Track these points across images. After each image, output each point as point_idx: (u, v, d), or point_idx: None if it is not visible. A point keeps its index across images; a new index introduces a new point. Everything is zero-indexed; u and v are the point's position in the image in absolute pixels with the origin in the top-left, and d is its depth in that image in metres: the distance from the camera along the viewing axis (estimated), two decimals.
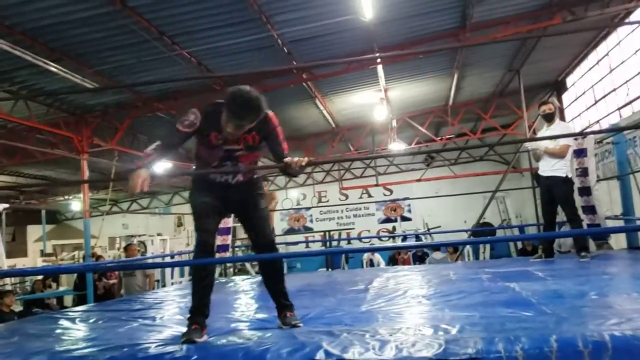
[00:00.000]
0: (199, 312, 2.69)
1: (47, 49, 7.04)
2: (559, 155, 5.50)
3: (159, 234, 14.17)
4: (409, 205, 17.69)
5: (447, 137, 14.64)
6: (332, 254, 9.02)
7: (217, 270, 11.23)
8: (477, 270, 5.04)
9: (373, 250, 6.48)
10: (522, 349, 2.04)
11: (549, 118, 5.58)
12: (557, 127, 5.65)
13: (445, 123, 13.71)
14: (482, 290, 3.54)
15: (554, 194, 5.61)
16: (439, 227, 16.48)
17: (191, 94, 9.61)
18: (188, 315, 2.71)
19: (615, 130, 7.22)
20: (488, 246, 13.77)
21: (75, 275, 10.96)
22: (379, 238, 16.11)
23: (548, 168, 5.64)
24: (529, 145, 6.03)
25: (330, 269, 10.80)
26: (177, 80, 9.10)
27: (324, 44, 8.11)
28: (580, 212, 5.94)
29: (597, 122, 10.58)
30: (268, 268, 2.96)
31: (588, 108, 11.15)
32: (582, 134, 6.18)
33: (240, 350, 2.33)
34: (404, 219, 17.95)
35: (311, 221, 18.43)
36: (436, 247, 12.29)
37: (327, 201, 18.49)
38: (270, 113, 2.77)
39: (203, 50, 7.69)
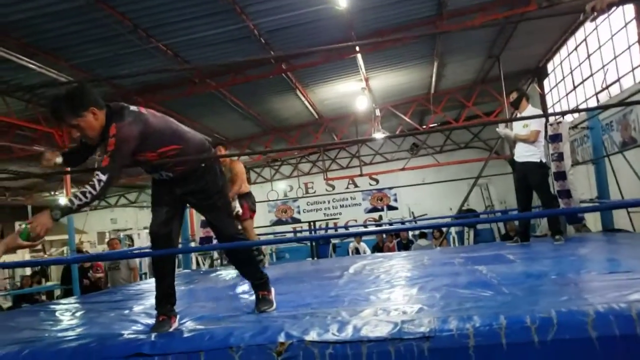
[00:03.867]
0: (164, 302, 2.73)
1: (20, 43, 6.99)
2: (528, 140, 5.59)
3: (145, 228, 14.17)
4: (395, 194, 17.81)
5: (431, 125, 14.72)
6: (308, 240, 8.96)
7: (208, 261, 11.32)
8: (453, 256, 5.12)
9: (351, 235, 6.51)
10: (473, 327, 2.12)
11: (515, 105, 5.69)
12: (525, 113, 5.75)
13: (428, 111, 13.79)
14: (450, 274, 3.61)
15: (529, 179, 5.70)
16: (425, 215, 16.61)
17: (170, 87, 9.60)
18: (155, 308, 2.76)
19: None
20: (472, 232, 13.94)
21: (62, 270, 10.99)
22: (365, 226, 16.19)
23: (522, 154, 5.73)
24: (500, 131, 6.11)
25: (316, 259, 10.87)
26: (152, 73, 9.06)
27: (301, 34, 8.12)
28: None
29: (576, 107, 10.69)
30: (234, 259, 3.02)
31: (567, 94, 11.27)
32: (544, 116, 6.27)
33: (205, 334, 2.38)
34: (390, 208, 18.09)
35: (298, 212, 18.50)
36: (422, 234, 12.42)
37: (314, 192, 18.56)
38: (115, 124, 2.46)
39: (179, 42, 7.68)
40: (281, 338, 2.23)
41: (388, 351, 2.12)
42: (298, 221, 17.88)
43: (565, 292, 2.52)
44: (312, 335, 2.22)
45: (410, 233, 13.94)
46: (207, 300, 3.67)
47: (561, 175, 6.34)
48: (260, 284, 2.95)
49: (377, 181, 18.01)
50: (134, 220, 19.42)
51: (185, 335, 2.42)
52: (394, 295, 3.01)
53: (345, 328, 2.25)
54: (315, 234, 13.48)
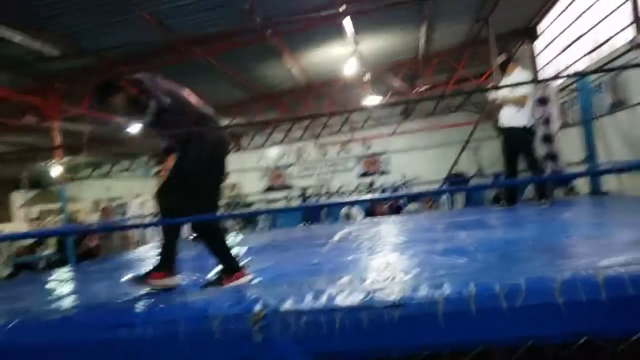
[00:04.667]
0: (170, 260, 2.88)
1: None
2: (516, 104, 5.58)
3: (138, 196, 14.23)
4: (387, 159, 17.83)
5: (421, 89, 14.62)
6: (296, 210, 8.96)
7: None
8: (438, 221, 5.19)
9: (338, 204, 6.55)
10: (442, 295, 2.16)
11: (503, 68, 5.66)
12: (515, 76, 5.72)
13: (418, 75, 13.68)
14: (430, 241, 3.65)
15: (514, 143, 5.73)
16: (417, 178, 16.67)
17: (156, 55, 9.46)
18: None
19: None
20: (462, 196, 14.00)
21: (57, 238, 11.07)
22: (357, 192, 16.29)
23: (508, 118, 5.74)
24: (490, 96, 6.10)
25: (308, 224, 10.98)
26: (137, 44, 8.92)
27: None
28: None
29: (567, 68, 10.62)
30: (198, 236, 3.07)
31: (557, 55, 11.18)
32: (532, 82, 6.23)
33: (185, 305, 2.44)
34: (383, 172, 18.13)
35: (291, 178, 18.54)
36: (412, 199, 12.49)
37: (307, 157, 18.55)
38: None
39: (163, 10, 7.54)
40: (257, 307, 2.28)
41: (360, 319, 2.17)
42: (290, 187, 17.95)
43: (539, 258, 2.57)
44: (288, 305, 2.26)
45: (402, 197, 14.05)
46: (189, 270, 3.71)
47: (549, 139, 6.38)
48: (221, 273, 2.94)
49: (369, 146, 18.00)
50: (128, 188, 19.42)
51: (166, 305, 2.47)
52: (373, 262, 3.06)
53: (320, 297, 2.30)
54: (306, 201, 13.56)
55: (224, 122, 16.12)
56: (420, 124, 16.79)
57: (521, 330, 2.08)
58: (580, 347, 2.08)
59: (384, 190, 15.43)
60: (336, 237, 4.70)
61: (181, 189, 2.83)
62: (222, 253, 2.93)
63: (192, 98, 2.98)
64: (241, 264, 2.97)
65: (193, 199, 2.84)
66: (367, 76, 13.04)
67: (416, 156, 16.62)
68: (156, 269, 2.85)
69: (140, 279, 2.84)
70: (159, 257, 2.89)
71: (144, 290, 2.80)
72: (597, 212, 5.10)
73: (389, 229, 4.97)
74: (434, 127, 15.76)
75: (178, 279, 2.96)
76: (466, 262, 2.70)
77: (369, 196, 13.92)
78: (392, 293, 2.22)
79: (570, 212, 4.96)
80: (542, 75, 11.76)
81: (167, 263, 2.88)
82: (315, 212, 13.69)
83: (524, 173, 6.00)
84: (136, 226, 8.22)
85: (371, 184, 17.44)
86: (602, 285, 2.05)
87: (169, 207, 2.87)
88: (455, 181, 12.61)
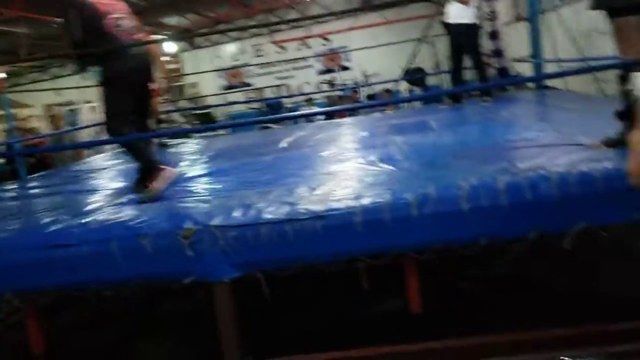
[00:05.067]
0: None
1: None
2: (461, 1, 5.53)
3: (87, 102, 13.80)
4: (347, 54, 17.52)
5: None
6: (239, 125, 8.89)
7: None
8: (384, 123, 5.27)
9: (291, 117, 6.51)
10: (361, 205, 2.30)
11: None
12: None
13: None
14: (368, 147, 3.74)
15: (460, 40, 5.73)
16: (378, 74, 16.55)
17: None
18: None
19: None
20: (421, 91, 14.04)
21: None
22: (316, 94, 16.13)
23: (454, 15, 5.69)
24: None
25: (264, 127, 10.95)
26: None
27: None
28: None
29: None
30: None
31: None
32: None
33: (117, 223, 2.53)
34: (344, 68, 17.91)
35: (249, 77, 18.18)
36: (370, 97, 12.55)
37: (263, 55, 18.07)
38: None
39: None
40: (188, 224, 2.39)
41: (285, 231, 2.31)
42: (249, 85, 17.66)
43: (457, 166, 2.70)
44: (217, 220, 2.38)
45: (362, 94, 14.06)
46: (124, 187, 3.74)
47: (495, 35, 6.39)
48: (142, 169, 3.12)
49: (328, 41, 17.60)
50: (78, 93, 18.75)
51: (98, 225, 2.56)
52: (306, 173, 3.15)
53: (248, 212, 2.42)
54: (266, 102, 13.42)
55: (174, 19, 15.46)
56: (379, 17, 16.38)
57: (431, 235, 2.27)
58: (484, 248, 2.29)
59: (342, 90, 15.32)
60: (283, 144, 4.76)
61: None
62: (139, 155, 3.09)
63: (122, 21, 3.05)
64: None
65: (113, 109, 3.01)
66: None
67: (376, 51, 16.32)
68: (147, 174, 3.04)
69: (141, 190, 3.00)
70: (143, 166, 3.09)
71: (151, 198, 2.90)
72: (535, 110, 5.26)
73: (335, 133, 5.04)
74: (391, 21, 15.40)
75: (173, 170, 3.20)
76: (391, 171, 2.82)
77: (327, 109, 13.85)
78: (316, 204, 2.35)
79: (509, 110, 5.07)
80: None
81: (152, 164, 3.07)
82: (276, 113, 13.63)
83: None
84: (87, 145, 8.06)
85: (331, 82, 17.29)
86: (503, 191, 2.22)
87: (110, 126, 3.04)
88: (412, 78, 12.60)
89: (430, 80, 13.90)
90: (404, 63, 15.31)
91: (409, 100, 8.36)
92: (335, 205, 2.34)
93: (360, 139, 4.41)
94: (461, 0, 5.51)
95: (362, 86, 14.56)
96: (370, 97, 13.60)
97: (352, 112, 10.63)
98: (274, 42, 16.43)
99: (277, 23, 16.37)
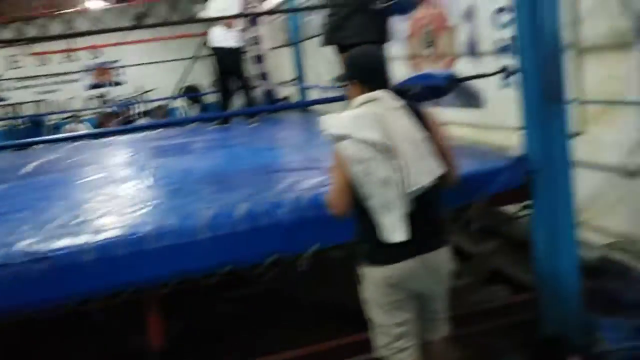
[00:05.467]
0: None
1: None
2: (226, 25, 5.60)
3: None
4: (120, 69, 16.57)
5: None
6: None
7: None
8: (149, 145, 5.03)
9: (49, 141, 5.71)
10: (93, 241, 2.12)
11: None
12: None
13: None
14: (118, 173, 3.54)
15: (225, 63, 5.80)
16: (154, 89, 15.99)
17: None
18: None
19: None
20: (199, 108, 13.95)
21: None
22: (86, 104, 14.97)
23: (217, 38, 5.73)
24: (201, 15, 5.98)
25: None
26: None
27: None
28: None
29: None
30: None
31: None
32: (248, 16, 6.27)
33: None
34: (117, 83, 16.90)
35: (3, 90, 16.02)
36: (146, 113, 12.04)
37: (21, 67, 16.13)
38: None
39: None
40: None
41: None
42: (2, 100, 15.64)
43: (203, 193, 2.67)
44: None
45: (137, 110, 13.43)
46: None
47: (259, 59, 6.63)
48: None
49: (99, 55, 16.46)
50: None
51: None
52: (39, 205, 2.80)
53: None
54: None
55: None
56: (153, 33, 15.86)
57: (170, 268, 2.18)
58: (227, 274, 2.28)
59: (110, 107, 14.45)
60: (27, 169, 4.23)
61: None
62: None
63: None
64: None
65: None
66: None
67: (154, 66, 15.77)
68: None
69: None
70: None
71: None
72: (293, 134, 5.52)
73: (93, 156, 4.66)
74: (166, 37, 15.03)
75: None
76: (134, 201, 2.66)
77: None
78: (39, 244, 2.09)
79: (270, 133, 5.24)
80: None
81: None
82: (35, 130, 12.30)
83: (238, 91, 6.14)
84: None
85: (102, 96, 16.21)
86: (242, 219, 2.24)
87: None
88: (190, 95, 12.48)
89: (209, 98, 13.89)
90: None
91: (176, 124, 8.10)
92: (61, 243, 2.11)
93: (116, 164, 4.15)
94: (225, 24, 5.57)
95: (136, 103, 13.90)
96: (146, 113, 13.07)
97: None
98: (33, 54, 14.77)
99: (36, 39, 14.76)
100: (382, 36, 3.11)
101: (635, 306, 2.74)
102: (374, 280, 1.91)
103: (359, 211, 1.88)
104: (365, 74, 1.95)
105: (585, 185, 3.34)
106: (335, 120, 1.87)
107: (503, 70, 2.74)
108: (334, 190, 1.91)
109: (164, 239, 2.14)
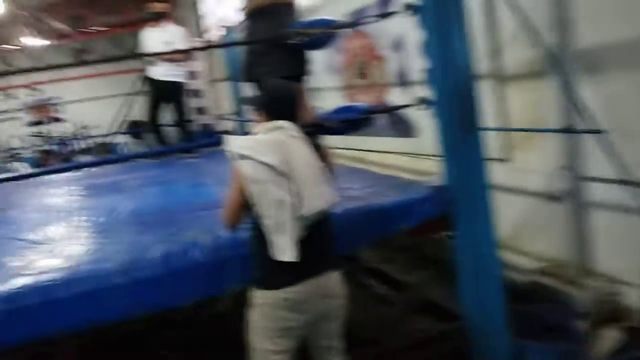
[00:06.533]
0: None
1: None
2: (171, 60, 5.52)
3: None
4: (59, 105, 16.16)
5: (91, 29, 13.50)
6: None
7: None
8: (83, 182, 4.83)
9: None
10: None
11: (155, 17, 5.47)
12: (170, 30, 5.59)
13: (84, 16, 12.55)
14: (41, 217, 3.38)
15: (164, 97, 5.71)
16: (97, 126, 15.63)
17: None
18: None
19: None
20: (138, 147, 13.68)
21: None
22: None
23: (161, 72, 5.63)
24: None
25: None
26: None
27: None
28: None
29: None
30: None
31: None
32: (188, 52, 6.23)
33: None
34: (57, 120, 16.43)
35: None
36: (86, 150, 11.71)
37: None
38: None
39: None
40: None
41: None
42: None
43: (124, 235, 2.59)
44: None
45: (76, 146, 13.09)
46: None
47: (196, 93, 6.60)
48: None
49: (38, 91, 15.99)
50: None
51: None
52: None
53: None
54: None
55: None
56: (93, 69, 15.57)
57: (84, 316, 2.08)
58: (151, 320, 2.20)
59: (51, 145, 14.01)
60: None
61: None
62: None
63: None
64: None
65: None
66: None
67: (95, 103, 15.43)
68: None
69: None
70: None
71: None
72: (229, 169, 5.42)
73: (20, 197, 4.45)
74: (107, 73, 14.79)
75: None
76: (47, 246, 2.54)
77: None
78: None
79: (207, 168, 5.09)
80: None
81: None
82: None
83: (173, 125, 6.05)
84: None
85: (41, 134, 15.72)
86: (159, 262, 2.18)
87: None
88: (133, 131, 12.22)
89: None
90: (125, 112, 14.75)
91: (113, 161, 7.90)
92: None
93: (42, 206, 3.95)
94: (173, 60, 5.48)
95: (76, 139, 13.56)
96: (87, 150, 12.75)
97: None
98: None
99: None
100: (299, 70, 3.16)
101: (562, 330, 2.81)
102: (267, 304, 1.94)
103: (256, 232, 1.95)
104: (274, 107, 2.05)
105: (513, 210, 3.44)
106: (239, 141, 1.99)
107: (423, 101, 2.80)
108: (229, 206, 2.02)
109: (74, 285, 2.05)
